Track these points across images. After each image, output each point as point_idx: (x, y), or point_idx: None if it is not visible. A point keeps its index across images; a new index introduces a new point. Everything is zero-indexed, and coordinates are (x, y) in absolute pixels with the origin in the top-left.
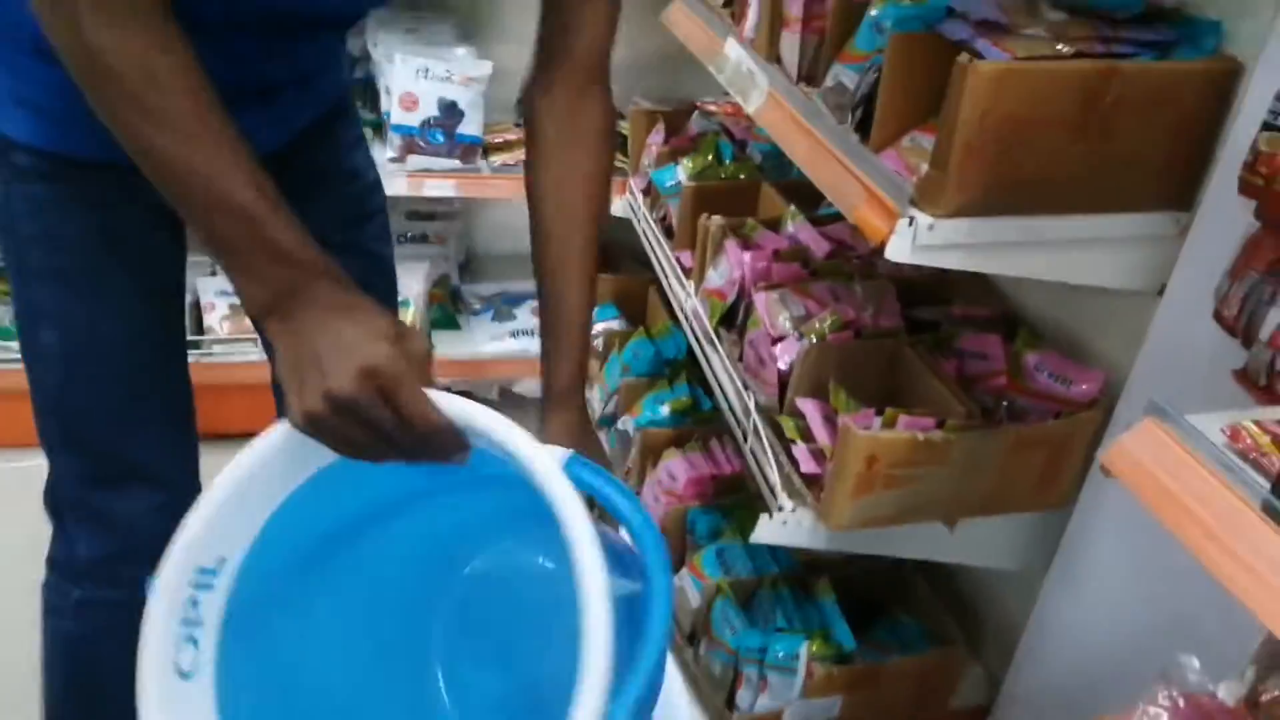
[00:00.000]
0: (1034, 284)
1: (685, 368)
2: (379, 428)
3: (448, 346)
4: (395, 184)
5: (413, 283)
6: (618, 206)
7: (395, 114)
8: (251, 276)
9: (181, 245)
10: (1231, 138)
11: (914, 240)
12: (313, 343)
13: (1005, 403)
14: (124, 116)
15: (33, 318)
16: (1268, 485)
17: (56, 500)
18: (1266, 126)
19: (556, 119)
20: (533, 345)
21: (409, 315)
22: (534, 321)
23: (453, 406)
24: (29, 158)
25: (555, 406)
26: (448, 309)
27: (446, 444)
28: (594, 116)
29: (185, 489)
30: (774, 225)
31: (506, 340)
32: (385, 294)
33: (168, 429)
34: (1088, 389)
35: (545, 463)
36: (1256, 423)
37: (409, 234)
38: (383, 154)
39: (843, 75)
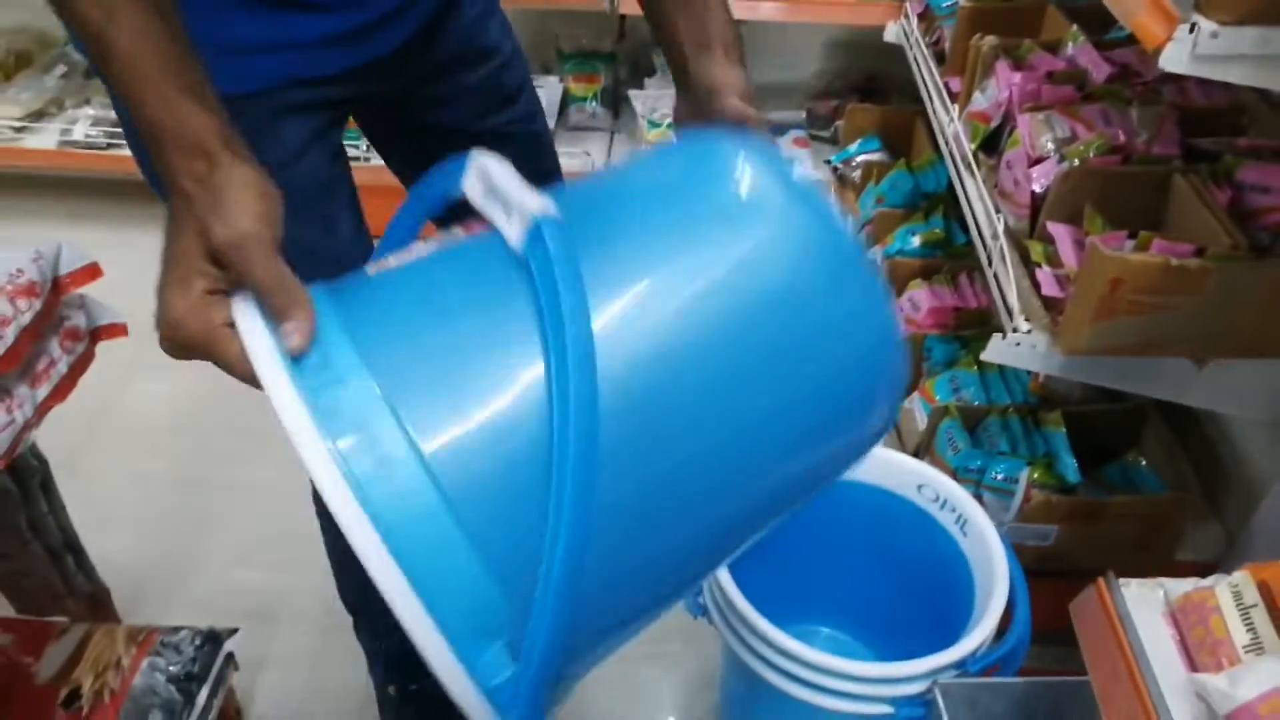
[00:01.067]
0: None
1: (944, 202)
2: None
3: None
4: None
5: None
6: (890, 33)
7: None
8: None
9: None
10: None
11: (1194, 49)
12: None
13: None
14: None
15: None
16: None
17: None
18: None
19: None
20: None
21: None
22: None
23: None
24: None
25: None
26: None
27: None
28: None
29: None
30: (1054, 48)
31: None
32: (547, 174)
33: None
34: None
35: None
36: None
37: None
38: None
39: None
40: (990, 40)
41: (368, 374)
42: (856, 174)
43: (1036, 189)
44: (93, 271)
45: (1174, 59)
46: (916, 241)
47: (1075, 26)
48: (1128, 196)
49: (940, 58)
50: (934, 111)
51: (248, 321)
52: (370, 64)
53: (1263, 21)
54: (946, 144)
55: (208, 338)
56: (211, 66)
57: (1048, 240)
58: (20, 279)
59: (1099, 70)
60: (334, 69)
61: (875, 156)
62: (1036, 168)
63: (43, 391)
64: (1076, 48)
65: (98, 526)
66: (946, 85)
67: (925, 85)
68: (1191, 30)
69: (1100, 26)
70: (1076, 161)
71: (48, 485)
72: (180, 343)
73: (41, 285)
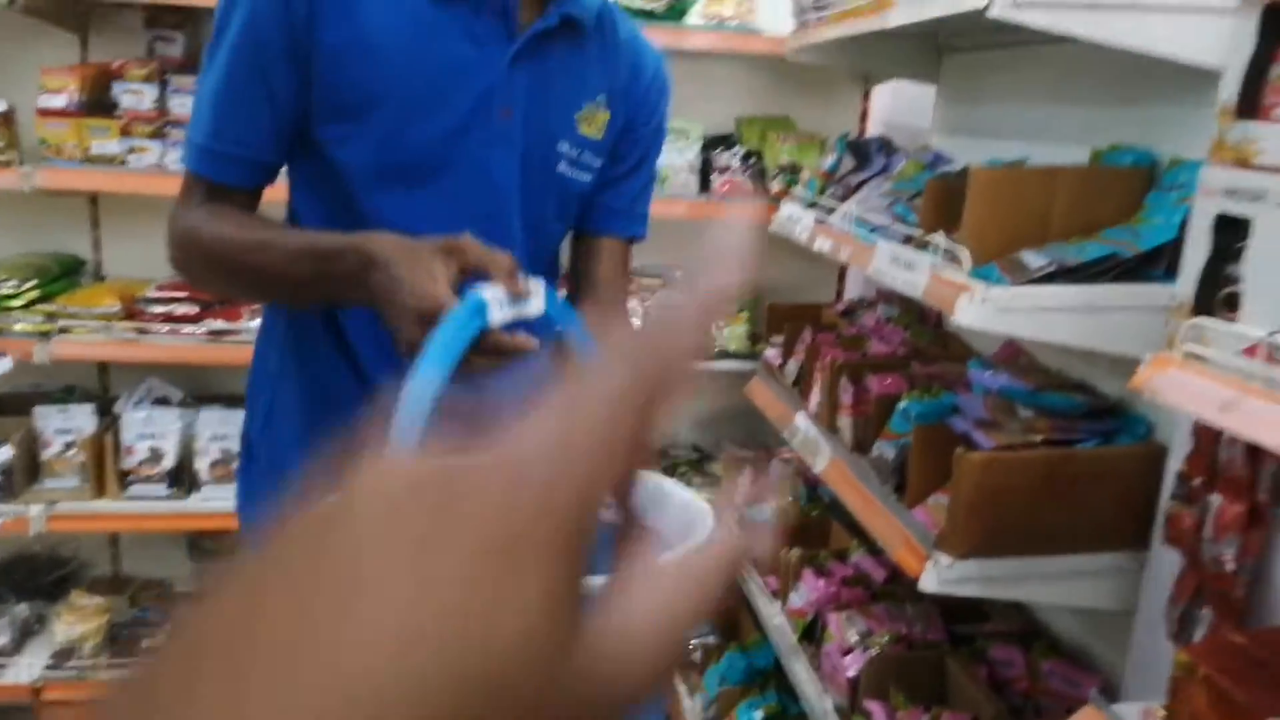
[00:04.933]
0: (1048, 604)
1: (774, 677)
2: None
3: None
4: None
5: None
6: None
7: None
8: (342, 284)
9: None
10: (1162, 501)
11: (939, 575)
12: (387, 300)
13: (1029, 702)
14: (202, 264)
15: None
16: None
17: None
18: (1173, 497)
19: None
20: None
21: None
22: None
23: None
24: None
25: None
26: None
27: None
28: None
29: None
30: (842, 555)
31: None
32: None
33: None
34: (1089, 691)
35: None
36: (1165, 706)
37: None
38: None
39: (884, 449)
40: (796, 552)
41: None
42: (697, 655)
43: (851, 674)
44: None
45: (928, 583)
46: (759, 716)
47: (855, 540)
48: (918, 675)
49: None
50: (758, 606)
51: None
52: None
53: (978, 555)
54: (773, 634)
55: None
56: None
57: (866, 715)
58: None
59: (877, 574)
60: None
61: (710, 640)
62: (848, 657)
63: None
64: (859, 556)
65: None
66: (765, 583)
67: (746, 582)
68: (934, 564)
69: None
70: (876, 650)
71: None
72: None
73: None
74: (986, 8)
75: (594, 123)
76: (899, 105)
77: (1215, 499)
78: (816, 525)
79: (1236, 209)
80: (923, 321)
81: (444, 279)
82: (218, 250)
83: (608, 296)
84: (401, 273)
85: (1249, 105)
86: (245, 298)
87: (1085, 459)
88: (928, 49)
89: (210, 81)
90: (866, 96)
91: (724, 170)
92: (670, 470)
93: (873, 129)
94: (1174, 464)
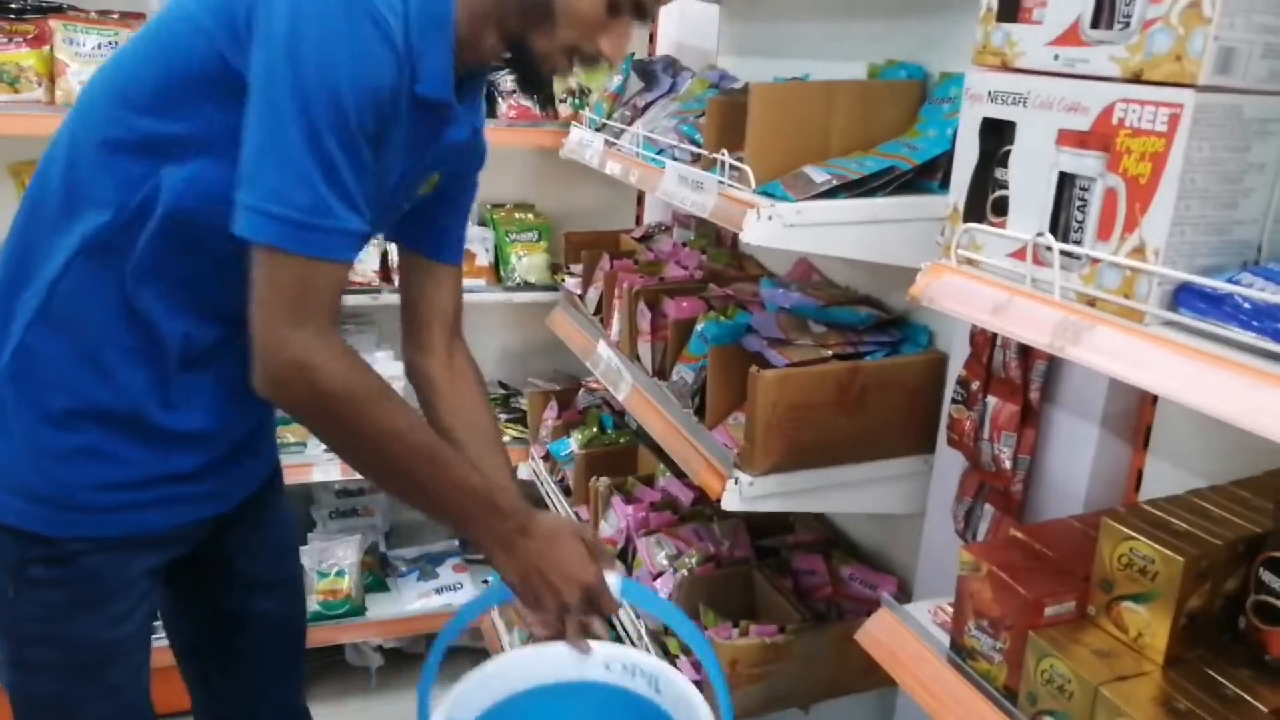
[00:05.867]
0: (846, 513)
1: None
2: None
3: (379, 608)
4: (328, 470)
5: (347, 553)
6: (523, 471)
7: None
8: (484, 531)
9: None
10: (945, 406)
11: (740, 494)
12: (541, 568)
13: (833, 607)
14: (361, 432)
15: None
16: (948, 643)
17: None
18: (954, 400)
19: (440, 367)
20: (456, 599)
21: (345, 583)
22: (456, 577)
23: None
24: (40, 555)
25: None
26: (377, 574)
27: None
28: (465, 359)
29: None
30: (649, 481)
31: (432, 597)
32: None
33: None
34: (888, 591)
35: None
36: (951, 603)
37: (339, 509)
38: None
39: (683, 372)
40: (605, 480)
41: None
42: None
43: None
44: None
45: (730, 502)
46: None
47: (661, 464)
48: (727, 592)
49: (567, 491)
50: None
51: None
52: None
53: (777, 471)
54: None
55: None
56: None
57: (677, 635)
58: None
59: (685, 496)
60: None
61: None
62: (659, 580)
63: None
64: (666, 480)
65: None
66: (577, 514)
67: (558, 513)
68: (735, 482)
69: None
70: (685, 572)
71: None
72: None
73: None
74: None
75: (430, 184)
76: (686, 26)
77: (991, 400)
78: (624, 453)
79: (1000, 113)
80: (719, 244)
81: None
82: (384, 440)
83: (456, 325)
84: (563, 553)
85: (1009, 8)
86: (366, 475)
87: (872, 370)
88: None
89: (304, 138)
90: (655, 17)
91: (509, 94)
92: None
93: (661, 49)
94: (954, 369)
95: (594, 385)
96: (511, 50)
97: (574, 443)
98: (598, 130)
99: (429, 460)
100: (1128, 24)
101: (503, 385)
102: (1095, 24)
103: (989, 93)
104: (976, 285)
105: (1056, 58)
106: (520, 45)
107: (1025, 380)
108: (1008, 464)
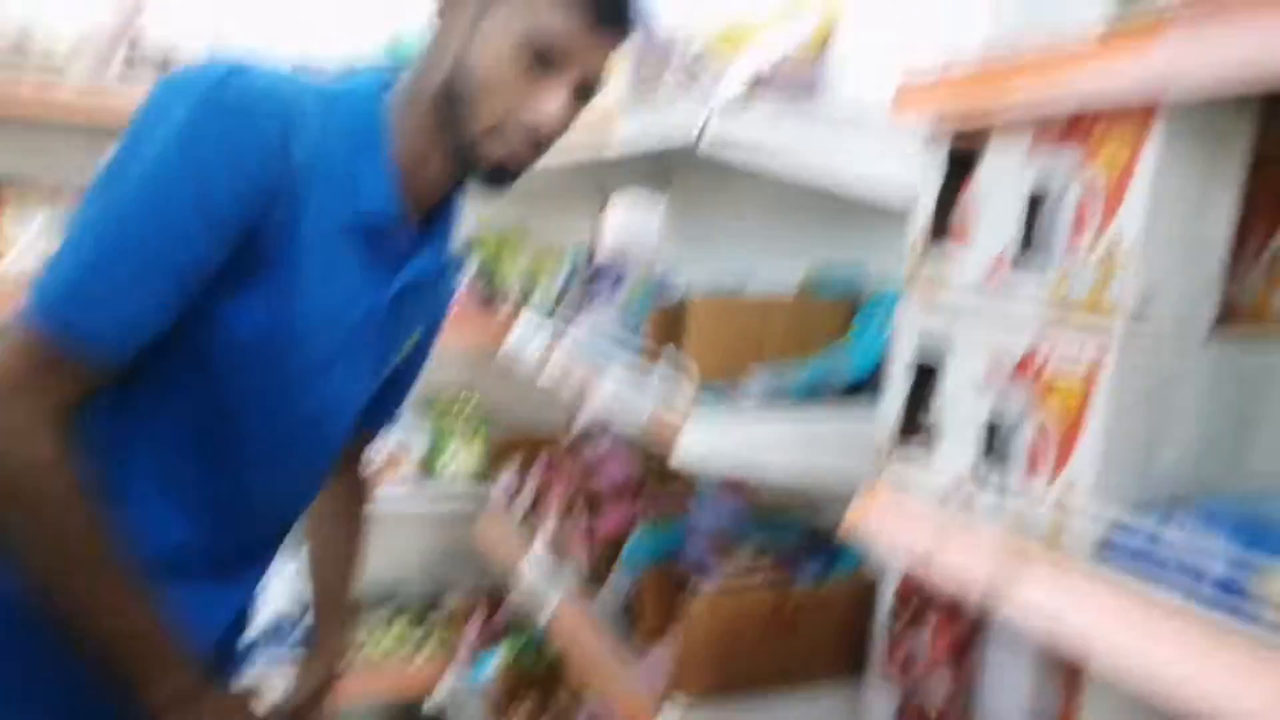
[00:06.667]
0: None
1: None
2: None
3: None
4: None
5: None
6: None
7: None
8: (157, 684)
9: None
10: (876, 634)
11: None
12: None
13: None
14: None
15: None
16: None
17: None
18: (888, 628)
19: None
20: None
21: None
22: None
23: None
24: None
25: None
26: None
27: None
28: (351, 488)
29: None
30: (578, 700)
31: None
32: None
33: None
34: None
35: None
36: None
37: None
38: None
39: (615, 587)
40: (526, 706)
41: None
42: None
43: None
44: None
45: None
46: None
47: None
48: None
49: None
50: None
51: None
52: None
53: (711, 698)
54: None
55: None
56: None
57: None
58: None
59: None
60: None
61: None
62: None
63: None
64: (595, 705)
65: None
66: None
67: None
68: (661, 716)
69: None
70: None
71: None
72: None
73: None
74: (696, 144)
75: (411, 343)
76: (634, 216)
77: (925, 631)
78: (552, 668)
79: (930, 346)
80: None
81: None
82: (62, 542)
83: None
84: None
85: (940, 232)
86: (26, 563)
87: (803, 595)
88: (658, 166)
89: (112, 233)
90: (604, 207)
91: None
92: (394, 618)
93: (609, 239)
94: (886, 593)
95: (519, 600)
96: (457, 156)
97: (498, 658)
98: (540, 328)
99: (104, 567)
100: (1051, 260)
101: (423, 597)
102: (1021, 259)
103: (920, 330)
104: (906, 526)
105: (982, 291)
106: (461, 145)
107: (959, 610)
108: (942, 699)
